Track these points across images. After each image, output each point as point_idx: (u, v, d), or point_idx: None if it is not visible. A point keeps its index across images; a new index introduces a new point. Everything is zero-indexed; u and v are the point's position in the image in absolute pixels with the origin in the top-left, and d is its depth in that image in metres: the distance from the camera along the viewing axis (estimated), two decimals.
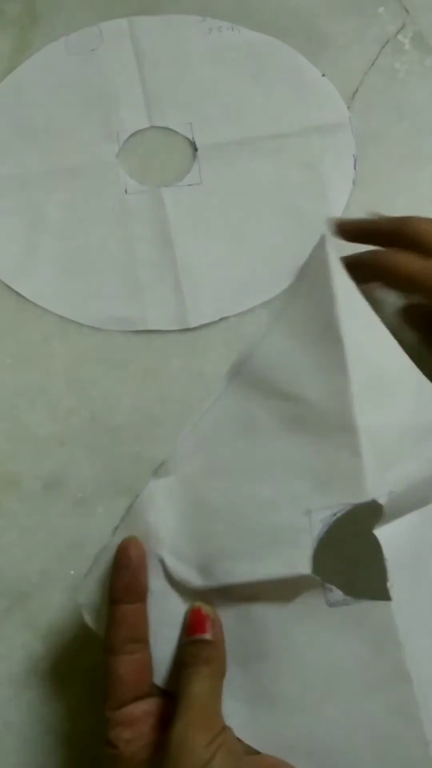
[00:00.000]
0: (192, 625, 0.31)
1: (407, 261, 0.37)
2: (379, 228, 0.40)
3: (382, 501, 0.32)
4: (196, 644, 0.31)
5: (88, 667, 0.40)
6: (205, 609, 0.32)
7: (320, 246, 0.37)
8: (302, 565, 0.31)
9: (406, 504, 0.33)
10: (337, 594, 0.32)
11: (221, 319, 0.46)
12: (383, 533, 0.32)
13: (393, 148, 0.50)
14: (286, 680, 0.32)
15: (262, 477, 0.33)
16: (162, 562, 0.32)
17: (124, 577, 0.32)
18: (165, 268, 0.47)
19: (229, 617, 0.32)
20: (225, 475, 0.34)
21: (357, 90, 0.52)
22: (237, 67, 0.51)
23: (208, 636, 0.31)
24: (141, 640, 0.32)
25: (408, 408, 0.34)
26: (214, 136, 0.50)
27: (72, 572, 0.41)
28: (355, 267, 0.37)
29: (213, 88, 0.51)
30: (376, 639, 0.31)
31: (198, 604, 0.32)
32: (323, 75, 0.51)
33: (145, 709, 0.31)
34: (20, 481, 0.43)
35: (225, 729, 0.30)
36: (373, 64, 0.52)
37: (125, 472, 0.43)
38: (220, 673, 0.31)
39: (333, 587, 0.32)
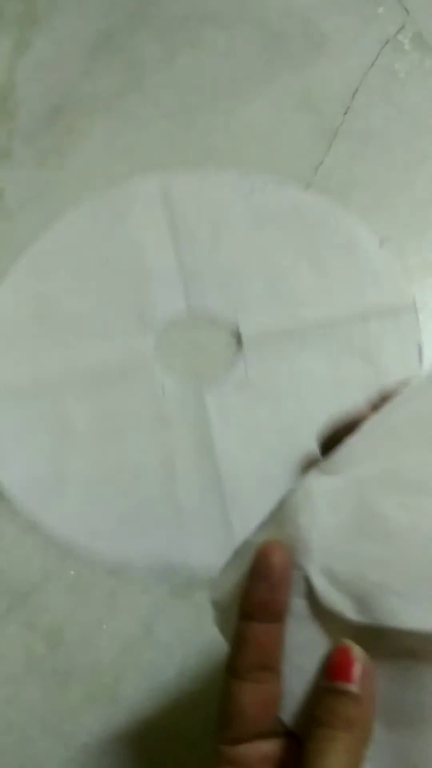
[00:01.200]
0: (335, 668, 0.24)
1: None
2: None
3: None
4: (337, 696, 0.24)
5: (88, 666, 0.40)
6: (356, 651, 0.24)
7: None
8: None
9: None
10: None
11: None
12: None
13: (392, 148, 0.50)
14: None
15: None
16: (307, 579, 0.25)
17: (260, 590, 0.25)
18: (209, 491, 0.40)
19: (383, 669, 0.25)
20: (411, 489, 0.26)
21: (357, 90, 0.52)
22: (283, 236, 0.45)
23: (354, 687, 0.24)
24: (272, 668, 0.25)
25: None
26: (259, 322, 0.44)
27: (72, 572, 0.41)
28: None
29: (256, 262, 0.45)
30: None
31: (347, 642, 0.24)
32: (381, 244, 0.45)
33: (265, 752, 0.25)
34: None
35: None
36: (373, 64, 0.52)
37: None
38: (363, 742, 0.24)
39: None
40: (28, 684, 0.40)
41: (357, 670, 0.24)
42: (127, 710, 0.39)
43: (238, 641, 0.25)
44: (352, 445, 0.27)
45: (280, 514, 0.26)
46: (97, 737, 0.39)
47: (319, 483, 0.26)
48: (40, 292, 0.44)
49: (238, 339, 0.44)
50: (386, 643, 0.25)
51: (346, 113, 0.51)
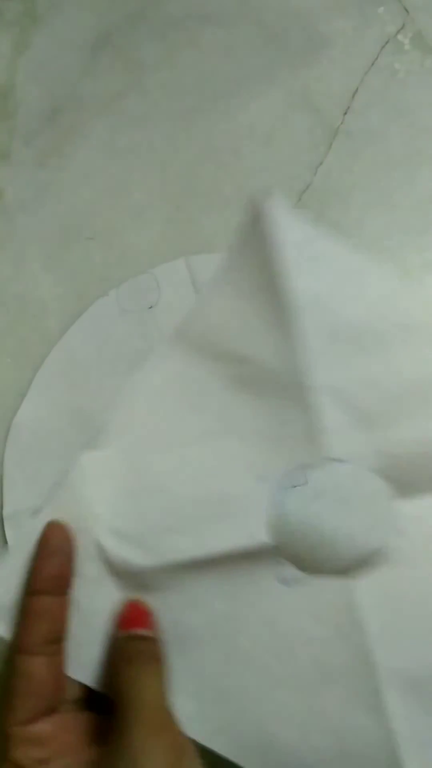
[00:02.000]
0: (130, 619, 0.27)
1: None
2: None
3: (357, 461, 0.28)
4: (138, 640, 0.27)
5: None
6: (145, 603, 0.27)
7: (263, 205, 0.31)
8: (252, 537, 0.28)
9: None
10: (291, 571, 0.28)
11: None
12: (404, 508, 0.28)
13: (392, 148, 0.50)
14: (236, 669, 0.28)
15: (209, 444, 0.29)
16: (98, 542, 0.28)
17: (49, 566, 0.27)
18: (374, 746, 0.27)
19: (174, 603, 0.28)
20: (167, 445, 0.30)
21: (357, 90, 0.51)
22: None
23: (150, 632, 0.27)
24: (61, 640, 0.27)
25: (402, 359, 0.30)
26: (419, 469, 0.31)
27: None
28: None
29: (419, 375, 0.33)
30: (336, 621, 0.28)
31: (135, 597, 0.28)
32: None
33: (60, 723, 0.26)
34: None
35: (182, 732, 0.26)
36: (373, 64, 0.52)
37: None
38: (165, 673, 0.27)
39: (285, 562, 0.28)
40: None
41: (149, 618, 0.27)
42: None
43: (27, 617, 0.26)
44: (115, 418, 0.31)
45: (60, 494, 0.29)
46: None
47: (91, 458, 0.30)
48: (75, 392, 0.40)
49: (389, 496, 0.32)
50: (174, 578, 0.28)
51: (346, 113, 0.51)
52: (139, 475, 0.30)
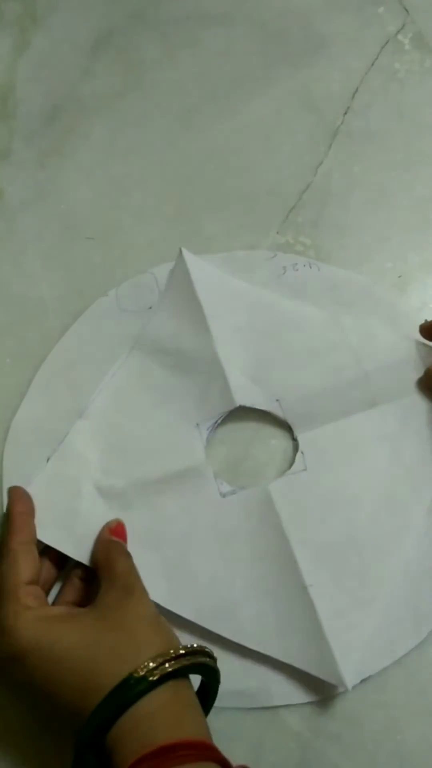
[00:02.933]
0: (116, 532, 0.41)
1: None
2: None
3: (259, 407, 0.44)
4: (119, 543, 0.40)
5: None
6: (125, 526, 0.41)
7: (180, 258, 0.46)
8: (197, 459, 0.43)
9: (325, 409, 0.44)
10: (227, 486, 0.42)
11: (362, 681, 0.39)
12: (307, 436, 0.44)
13: (392, 148, 0.50)
14: (195, 558, 0.41)
15: (161, 407, 0.44)
16: (92, 476, 0.42)
17: (26, 504, 0.41)
18: (294, 598, 0.39)
19: (147, 516, 0.42)
20: (133, 410, 0.44)
21: (357, 90, 0.52)
22: (321, 319, 0.45)
23: (126, 544, 0.40)
24: (35, 544, 0.40)
25: (279, 340, 0.45)
26: (307, 410, 0.44)
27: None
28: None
29: (296, 349, 0.45)
30: (260, 515, 0.41)
31: (119, 519, 0.41)
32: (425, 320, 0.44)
33: (40, 591, 0.39)
34: None
35: None
36: (373, 64, 0.52)
37: None
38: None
39: (223, 482, 0.42)
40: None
41: (126, 534, 0.41)
42: None
43: (20, 522, 0.40)
44: (96, 400, 0.44)
45: (64, 448, 0.43)
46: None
47: (82, 424, 0.43)
48: (76, 389, 0.45)
49: (287, 428, 0.44)
50: (146, 496, 0.42)
51: (346, 113, 0.51)
52: (114, 434, 0.44)
